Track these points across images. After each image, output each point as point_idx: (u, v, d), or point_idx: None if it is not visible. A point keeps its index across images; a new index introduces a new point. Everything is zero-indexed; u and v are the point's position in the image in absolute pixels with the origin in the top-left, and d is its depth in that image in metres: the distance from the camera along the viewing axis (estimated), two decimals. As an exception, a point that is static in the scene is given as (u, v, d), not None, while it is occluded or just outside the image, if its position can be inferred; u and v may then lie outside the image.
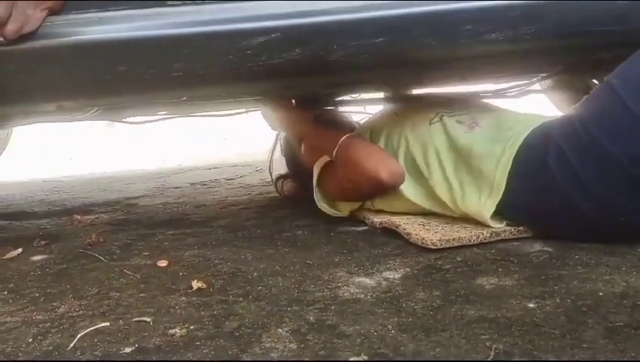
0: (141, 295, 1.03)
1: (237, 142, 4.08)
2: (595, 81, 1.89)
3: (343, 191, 1.42)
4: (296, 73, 1.09)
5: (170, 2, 1.02)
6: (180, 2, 1.01)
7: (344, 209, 1.48)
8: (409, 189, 1.36)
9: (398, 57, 1.09)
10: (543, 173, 1.11)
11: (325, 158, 1.45)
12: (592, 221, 1.08)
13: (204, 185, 2.35)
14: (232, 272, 1.11)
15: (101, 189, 2.43)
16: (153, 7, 1.01)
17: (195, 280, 1.06)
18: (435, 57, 1.11)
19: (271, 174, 1.86)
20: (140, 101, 1.33)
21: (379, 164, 1.32)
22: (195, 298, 0.99)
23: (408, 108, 1.49)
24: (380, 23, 1.02)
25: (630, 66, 1.04)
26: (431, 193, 1.33)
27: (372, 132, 1.49)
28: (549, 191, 1.11)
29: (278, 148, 1.82)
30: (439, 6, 1.01)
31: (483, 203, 1.20)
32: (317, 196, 1.48)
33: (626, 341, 0.72)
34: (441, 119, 1.36)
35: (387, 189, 1.35)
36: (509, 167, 1.17)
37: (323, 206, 1.48)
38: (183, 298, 1.00)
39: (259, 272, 1.11)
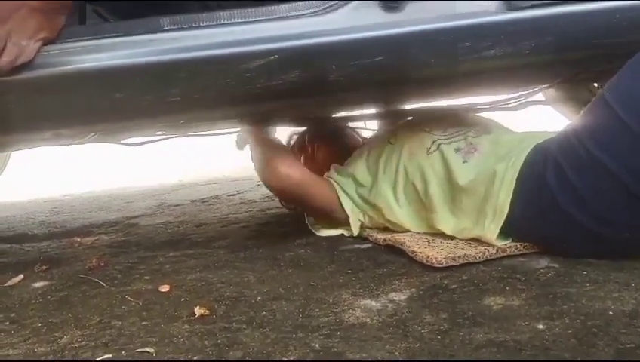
0: (143, 323, 1.01)
1: (237, 155, 4.07)
2: (595, 85, 1.88)
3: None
4: (295, 95, 1.08)
5: (166, 28, 1.01)
6: (177, 27, 1.00)
7: (346, 227, 1.47)
8: (409, 219, 1.36)
9: (397, 76, 1.08)
10: (543, 191, 1.10)
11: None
12: (595, 237, 1.07)
13: (205, 201, 2.34)
14: (235, 297, 1.10)
15: (101, 208, 2.42)
16: (149, 33, 1.00)
17: (198, 307, 1.04)
18: (434, 75, 1.11)
19: None
20: (138, 126, 1.33)
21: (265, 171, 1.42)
22: (198, 325, 0.98)
23: (403, 135, 1.45)
24: (378, 42, 1.01)
25: (621, 79, 1.03)
26: (432, 223, 1.32)
27: (368, 160, 1.47)
28: (549, 208, 1.10)
29: None
30: (438, 24, 1.01)
31: (487, 228, 1.19)
32: (310, 222, 1.48)
33: (639, 364, 0.71)
34: (438, 148, 1.34)
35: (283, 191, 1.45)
36: (512, 187, 1.15)
37: (322, 231, 1.49)
38: (186, 326, 0.98)
39: (262, 296, 1.09)
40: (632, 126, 0.98)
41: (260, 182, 2.23)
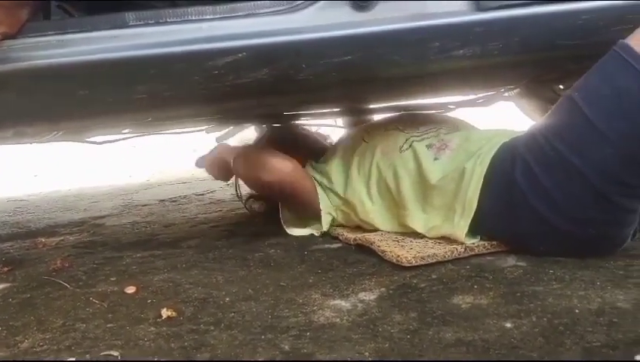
0: (108, 325, 0.99)
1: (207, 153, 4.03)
2: (561, 86, 1.91)
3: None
4: (264, 92, 1.07)
5: (132, 23, 0.98)
6: (143, 23, 0.98)
7: (316, 225, 1.46)
8: (381, 217, 1.37)
9: (367, 75, 1.08)
10: (511, 189, 1.11)
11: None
12: (562, 234, 1.08)
13: (174, 201, 2.31)
14: (203, 298, 1.08)
15: (66, 208, 2.37)
16: (115, 29, 0.97)
17: (165, 308, 1.02)
18: (404, 74, 1.11)
19: (237, 191, 1.83)
20: (103, 124, 1.30)
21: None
22: (164, 328, 0.96)
23: (376, 133, 1.46)
24: (348, 41, 1.01)
25: (589, 80, 1.04)
26: (403, 221, 1.32)
27: (343, 158, 1.48)
28: (517, 206, 1.11)
29: None
30: (407, 24, 1.00)
31: (456, 224, 1.19)
32: (285, 219, 1.46)
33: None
34: (411, 146, 1.35)
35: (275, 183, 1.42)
36: (480, 183, 1.16)
37: (293, 231, 1.47)
38: (152, 328, 0.96)
39: (231, 297, 1.08)
40: (599, 125, 1.00)
41: (231, 182, 2.22)
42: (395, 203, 1.34)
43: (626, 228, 1.08)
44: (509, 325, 0.84)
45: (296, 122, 1.78)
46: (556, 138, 1.06)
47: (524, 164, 1.10)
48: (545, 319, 0.85)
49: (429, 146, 1.33)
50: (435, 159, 1.29)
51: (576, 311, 0.87)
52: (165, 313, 1.01)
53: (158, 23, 0.99)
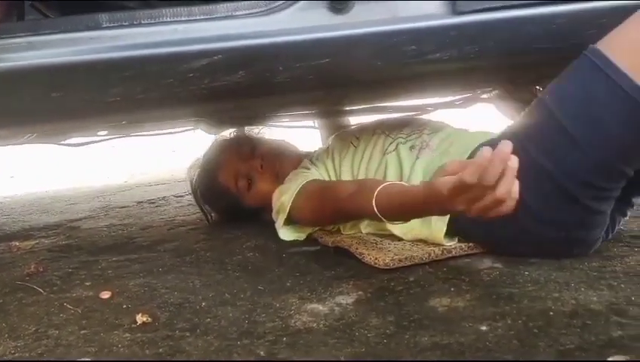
0: (82, 332, 0.97)
1: (187, 154, 4.00)
2: (539, 88, 1.93)
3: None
4: (240, 95, 1.06)
5: (106, 25, 0.97)
6: (117, 25, 0.97)
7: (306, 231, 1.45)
8: (362, 221, 1.36)
9: (344, 78, 1.08)
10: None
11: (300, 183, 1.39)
12: (535, 236, 1.09)
13: (152, 203, 2.28)
14: (179, 303, 1.07)
15: (42, 211, 2.33)
16: (88, 30, 0.96)
17: (140, 314, 1.01)
18: (381, 77, 1.11)
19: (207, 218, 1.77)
20: (77, 127, 1.28)
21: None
22: (139, 334, 0.94)
23: (364, 138, 1.47)
24: (325, 44, 1.00)
25: (560, 83, 1.05)
26: (382, 224, 1.32)
27: (334, 162, 1.48)
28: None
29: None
30: (384, 27, 1.00)
31: (434, 226, 1.20)
32: (280, 223, 1.44)
33: (578, 364, 0.72)
34: (396, 148, 1.36)
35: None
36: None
37: (289, 232, 1.45)
38: (127, 334, 0.95)
39: (207, 302, 1.07)
40: (570, 128, 1.01)
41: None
42: None
43: (596, 230, 1.10)
44: (484, 328, 0.85)
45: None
46: (526, 139, 1.06)
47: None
48: (520, 321, 0.86)
49: (412, 148, 1.35)
50: (417, 158, 1.31)
51: (551, 313, 0.87)
52: (140, 318, 1.00)
53: (132, 25, 0.97)
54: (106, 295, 1.15)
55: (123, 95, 1.00)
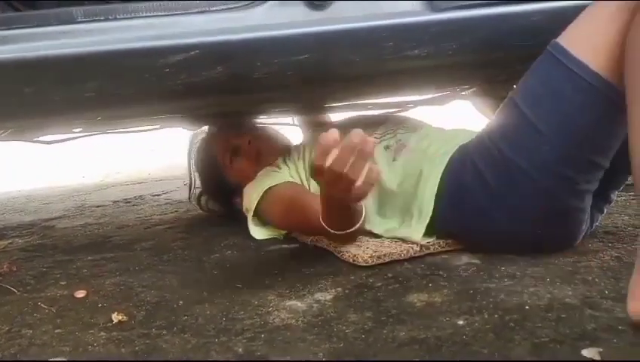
0: (57, 331, 0.96)
1: (165, 153, 3.97)
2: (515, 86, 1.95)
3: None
4: (219, 91, 1.05)
5: (80, 19, 0.95)
6: (91, 19, 0.95)
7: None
8: None
9: (322, 74, 1.07)
10: (463, 190, 1.13)
11: (267, 185, 1.39)
12: (513, 235, 1.10)
13: (128, 202, 2.26)
14: (156, 301, 1.06)
15: (16, 210, 2.29)
16: (62, 24, 0.94)
17: (116, 313, 1.00)
18: (359, 73, 1.11)
19: (190, 190, 1.80)
20: (51, 123, 1.25)
21: None
22: (115, 332, 0.93)
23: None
24: (303, 40, 1.00)
25: (527, 80, 1.07)
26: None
27: (304, 160, 1.46)
28: (470, 208, 1.12)
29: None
30: (362, 23, 1.00)
31: (413, 227, 1.20)
32: (253, 222, 1.44)
33: (552, 357, 0.73)
34: None
35: None
36: (436, 187, 1.17)
37: (261, 231, 1.44)
38: (102, 333, 0.93)
39: (184, 300, 1.06)
40: (539, 125, 1.02)
41: (187, 182, 2.19)
42: None
43: (574, 226, 1.11)
44: (461, 322, 0.85)
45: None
46: (500, 139, 1.07)
47: (473, 166, 1.11)
48: (496, 315, 0.86)
49: (387, 148, 1.34)
50: (394, 160, 1.30)
51: (527, 307, 0.88)
52: (116, 317, 0.99)
53: (107, 19, 0.96)
54: (81, 294, 1.14)
55: (98, 90, 0.98)
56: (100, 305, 1.07)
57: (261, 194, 1.37)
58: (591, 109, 0.98)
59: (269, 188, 1.37)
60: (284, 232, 1.43)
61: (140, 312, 1.01)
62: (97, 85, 0.98)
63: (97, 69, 0.96)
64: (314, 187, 1.42)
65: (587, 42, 0.97)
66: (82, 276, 1.27)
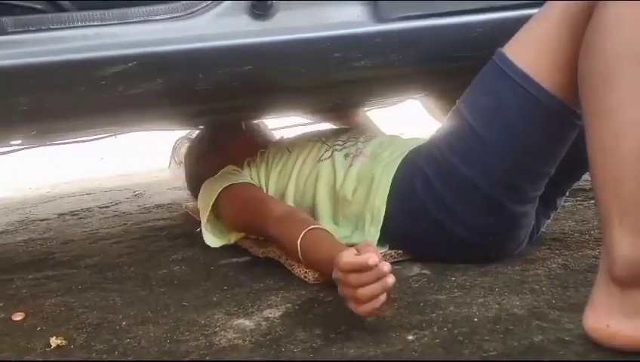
0: (-11, 359, 0.90)
1: (115, 162, 3.86)
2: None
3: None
4: (159, 103, 1.01)
5: (11, 30, 0.90)
6: (23, 29, 0.90)
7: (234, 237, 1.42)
8: None
9: (268, 85, 1.05)
10: (413, 198, 1.13)
11: (223, 184, 1.38)
12: (463, 242, 1.10)
13: (75, 215, 2.18)
14: (98, 323, 1.01)
15: (-47, 226, 2.18)
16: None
17: (54, 337, 0.95)
18: (305, 85, 1.09)
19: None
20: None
21: None
22: (52, 358, 0.89)
23: (300, 144, 1.47)
24: (247, 50, 0.98)
25: (472, 90, 1.07)
26: None
27: (266, 166, 1.47)
28: (419, 215, 1.12)
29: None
30: (307, 34, 0.99)
31: (367, 232, 1.20)
32: (206, 228, 1.40)
33: (500, 371, 0.72)
34: (331, 155, 1.36)
35: None
36: (388, 190, 1.17)
37: (212, 239, 1.41)
38: (39, 359, 0.89)
39: (128, 320, 1.01)
40: (484, 135, 1.02)
41: (138, 192, 2.14)
42: (310, 213, 1.33)
43: (521, 232, 1.12)
44: (410, 337, 0.84)
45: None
46: (447, 148, 1.08)
47: (422, 174, 1.11)
48: (445, 329, 0.86)
49: (346, 156, 1.34)
50: (350, 166, 1.30)
51: (475, 319, 0.88)
52: (54, 341, 0.94)
53: (39, 30, 0.91)
54: (18, 316, 1.08)
55: (31, 104, 0.93)
56: (38, 328, 1.02)
57: (217, 192, 1.36)
58: (536, 121, 0.98)
59: (231, 185, 1.36)
60: (239, 236, 1.41)
61: (81, 335, 0.97)
62: (30, 99, 0.93)
63: (30, 82, 0.91)
64: (271, 191, 1.43)
65: (533, 50, 0.96)
66: (21, 296, 1.21)
